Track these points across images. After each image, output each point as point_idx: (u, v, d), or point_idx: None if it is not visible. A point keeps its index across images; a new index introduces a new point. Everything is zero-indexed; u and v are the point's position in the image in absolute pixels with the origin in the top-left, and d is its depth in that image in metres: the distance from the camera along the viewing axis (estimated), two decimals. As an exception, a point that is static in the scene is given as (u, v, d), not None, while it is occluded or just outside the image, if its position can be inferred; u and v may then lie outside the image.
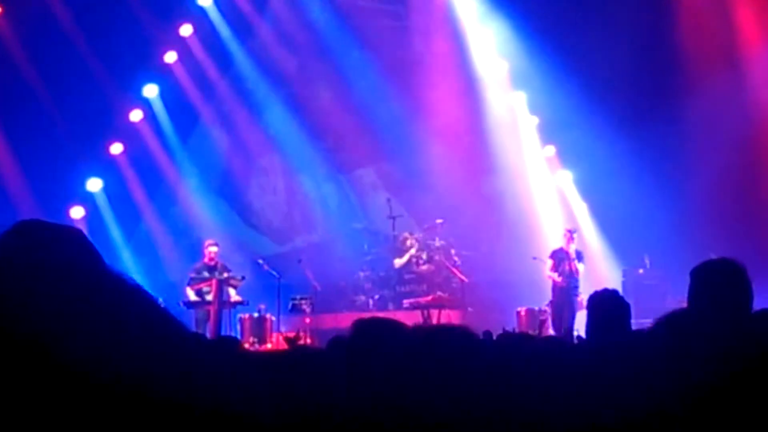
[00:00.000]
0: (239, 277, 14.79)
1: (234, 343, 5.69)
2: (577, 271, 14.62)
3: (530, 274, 14.79)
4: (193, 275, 14.70)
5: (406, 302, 15.56)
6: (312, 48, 18.43)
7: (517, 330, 11.98)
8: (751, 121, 16.12)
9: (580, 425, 2.49)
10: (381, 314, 15.44)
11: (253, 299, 14.68)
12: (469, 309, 15.40)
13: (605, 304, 4.89)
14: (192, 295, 14.50)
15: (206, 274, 14.61)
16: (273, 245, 18.77)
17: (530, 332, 11.16)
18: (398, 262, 16.33)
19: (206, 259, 14.77)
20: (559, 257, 14.66)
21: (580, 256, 14.80)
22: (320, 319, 15.02)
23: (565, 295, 14.44)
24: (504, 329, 6.65)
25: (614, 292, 5.07)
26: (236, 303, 14.52)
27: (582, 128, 16.55)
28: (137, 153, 17.42)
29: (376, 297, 16.38)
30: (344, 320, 13.82)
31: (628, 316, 4.91)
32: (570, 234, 14.88)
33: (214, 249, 14.85)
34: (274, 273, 15.12)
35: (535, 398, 2.83)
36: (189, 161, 18.24)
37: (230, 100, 18.34)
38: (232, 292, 14.66)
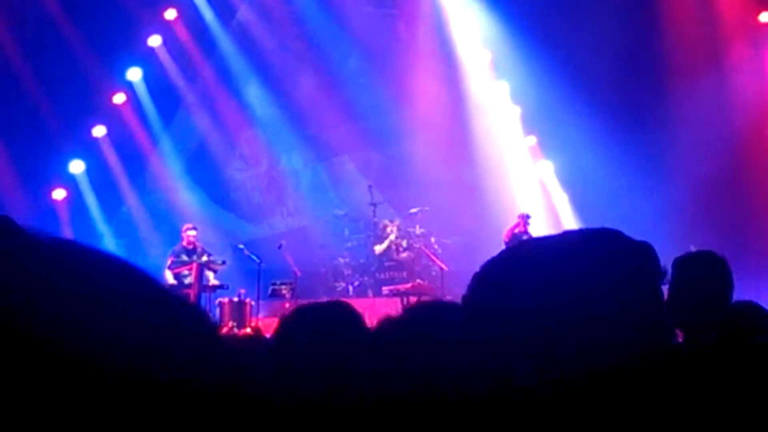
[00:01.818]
0: (220, 261, 14.82)
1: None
2: None
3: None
4: (173, 259, 14.70)
5: (385, 289, 15.62)
6: (295, 33, 18.44)
7: None
8: (735, 116, 16.25)
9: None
10: (360, 301, 15.56)
11: (233, 284, 14.64)
12: (448, 297, 15.48)
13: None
14: (171, 279, 14.51)
15: (186, 257, 14.63)
16: (251, 228, 18.76)
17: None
18: (378, 248, 16.35)
19: (185, 243, 14.78)
20: None
21: None
22: (300, 305, 15.01)
23: None
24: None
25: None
26: (216, 287, 14.53)
27: (564, 119, 16.64)
28: (120, 136, 17.41)
29: (356, 283, 16.42)
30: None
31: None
32: (525, 219, 14.78)
33: (192, 233, 14.87)
34: (255, 258, 15.15)
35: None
36: (171, 145, 18.26)
37: (213, 85, 18.34)
38: (210, 275, 14.70)
